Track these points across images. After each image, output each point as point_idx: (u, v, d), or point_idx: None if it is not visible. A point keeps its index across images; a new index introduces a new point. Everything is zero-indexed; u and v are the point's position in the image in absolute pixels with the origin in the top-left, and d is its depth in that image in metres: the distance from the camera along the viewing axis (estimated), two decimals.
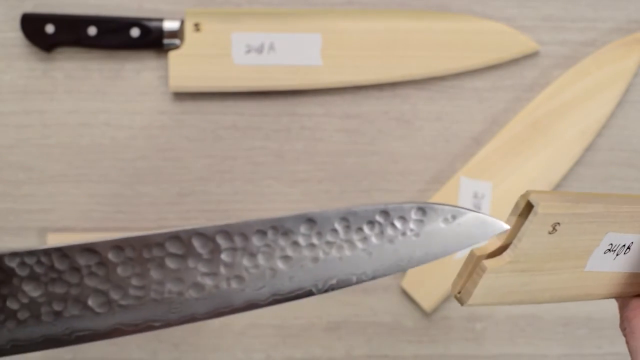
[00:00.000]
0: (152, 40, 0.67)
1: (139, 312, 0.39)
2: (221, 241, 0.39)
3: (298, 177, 0.70)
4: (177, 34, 0.67)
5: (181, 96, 0.69)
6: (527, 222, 0.41)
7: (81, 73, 0.69)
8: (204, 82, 0.68)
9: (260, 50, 0.67)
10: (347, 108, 0.70)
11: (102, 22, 0.67)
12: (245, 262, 0.39)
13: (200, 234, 0.39)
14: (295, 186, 0.70)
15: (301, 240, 0.40)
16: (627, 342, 0.45)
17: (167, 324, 0.40)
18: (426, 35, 0.68)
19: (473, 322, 0.71)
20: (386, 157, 0.70)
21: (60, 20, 0.67)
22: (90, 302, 0.39)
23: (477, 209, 0.69)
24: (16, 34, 0.68)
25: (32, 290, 0.38)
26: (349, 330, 0.71)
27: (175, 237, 0.39)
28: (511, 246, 0.42)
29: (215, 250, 0.39)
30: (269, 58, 0.68)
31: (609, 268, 0.45)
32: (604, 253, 0.45)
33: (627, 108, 0.71)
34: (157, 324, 0.40)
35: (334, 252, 0.40)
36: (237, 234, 0.39)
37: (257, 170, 0.70)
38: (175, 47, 0.67)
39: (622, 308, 0.47)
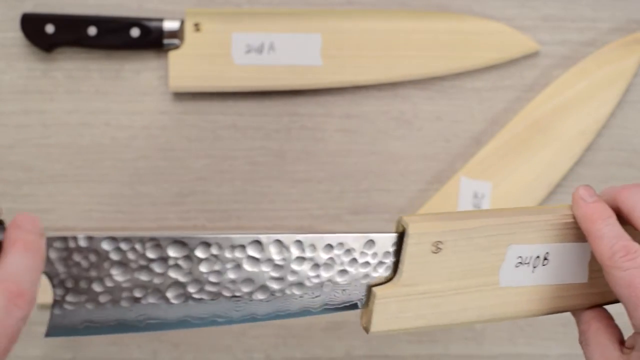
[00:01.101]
0: (152, 40, 0.67)
1: (208, 307, 0.42)
2: (294, 250, 0.43)
3: (298, 177, 0.70)
4: (177, 34, 0.67)
5: (181, 96, 0.69)
6: (403, 245, 0.43)
7: (81, 73, 0.69)
8: (204, 82, 0.68)
9: (260, 50, 0.67)
10: (347, 108, 0.70)
11: (102, 22, 0.67)
12: (310, 272, 0.43)
13: (278, 241, 0.42)
14: (295, 186, 0.70)
15: (359, 258, 0.44)
16: (584, 354, 0.45)
17: (230, 321, 0.43)
18: (426, 35, 0.68)
19: None
20: (386, 157, 0.70)
21: (60, 20, 0.67)
22: (168, 293, 0.41)
23: (477, 209, 0.69)
24: (16, 34, 0.68)
25: (119, 275, 0.40)
26: (349, 330, 0.71)
27: (257, 241, 0.42)
28: (398, 270, 0.43)
29: (288, 257, 0.43)
30: (269, 58, 0.68)
31: (531, 282, 0.45)
32: (516, 267, 0.44)
33: (627, 108, 0.71)
34: (220, 320, 0.42)
35: (382, 272, 0.44)
36: (309, 246, 0.43)
37: (257, 170, 0.70)
38: (175, 47, 0.67)
39: (577, 322, 0.47)
